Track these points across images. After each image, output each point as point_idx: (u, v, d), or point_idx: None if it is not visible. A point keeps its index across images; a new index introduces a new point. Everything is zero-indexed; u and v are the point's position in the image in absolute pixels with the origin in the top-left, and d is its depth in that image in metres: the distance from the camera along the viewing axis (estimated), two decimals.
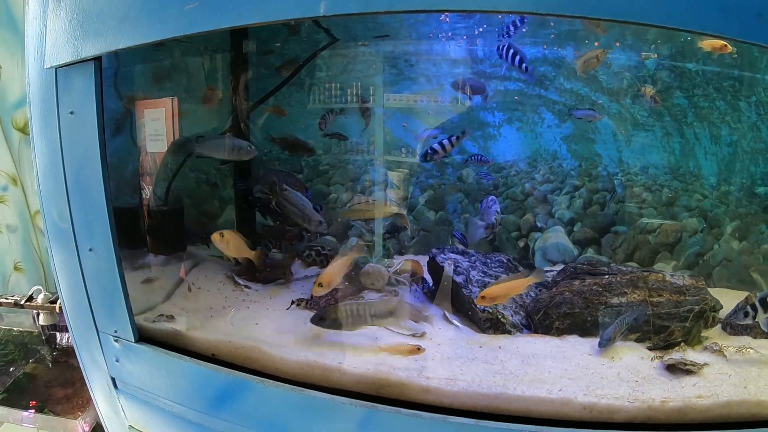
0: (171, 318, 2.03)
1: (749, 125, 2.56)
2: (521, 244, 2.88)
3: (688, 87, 2.54)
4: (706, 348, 1.88)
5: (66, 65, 1.64)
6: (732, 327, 2.05)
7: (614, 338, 1.84)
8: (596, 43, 2.25)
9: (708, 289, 2.12)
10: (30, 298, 3.36)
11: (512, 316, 2.10)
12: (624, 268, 2.25)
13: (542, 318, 2.05)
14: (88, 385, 2.14)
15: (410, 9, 1.16)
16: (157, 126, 2.22)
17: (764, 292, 1.86)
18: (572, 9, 1.12)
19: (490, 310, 2.05)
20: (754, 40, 1.12)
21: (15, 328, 3.80)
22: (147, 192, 2.30)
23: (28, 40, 1.73)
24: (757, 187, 2.59)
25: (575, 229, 2.80)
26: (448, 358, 1.80)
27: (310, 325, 1.96)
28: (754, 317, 1.83)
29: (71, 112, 1.69)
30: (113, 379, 2.00)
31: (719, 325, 2.08)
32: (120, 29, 1.48)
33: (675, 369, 1.71)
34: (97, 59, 1.60)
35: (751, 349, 1.85)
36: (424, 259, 2.54)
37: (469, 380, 1.65)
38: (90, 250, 1.81)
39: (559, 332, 2.00)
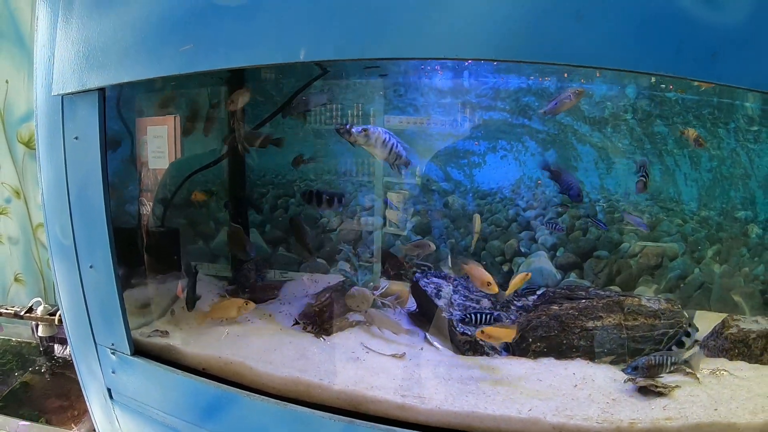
0: (165, 333, 2.11)
1: (729, 151, 2.62)
2: (505, 268, 2.94)
3: (668, 115, 2.61)
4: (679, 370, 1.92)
5: (72, 94, 1.74)
6: (709, 349, 2.10)
7: (645, 370, 1.84)
8: (565, 75, 2.31)
9: (685, 312, 2.17)
10: (30, 310, 3.42)
11: None
12: (602, 292, 2.31)
13: (519, 341, 2.10)
14: (84, 395, 2.21)
15: (378, 57, 1.26)
16: (159, 143, 2.29)
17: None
18: (530, 55, 1.21)
19: (470, 333, 2.13)
20: (709, 79, 1.18)
21: (13, 339, 3.85)
22: (147, 208, 2.37)
23: (37, 66, 1.83)
24: (737, 212, 2.65)
25: (558, 254, 2.87)
26: (426, 377, 1.88)
27: (295, 344, 2.07)
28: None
29: (76, 138, 1.78)
30: (109, 390, 2.07)
31: (697, 348, 2.10)
32: (122, 64, 1.57)
33: (646, 391, 1.76)
34: (100, 89, 1.70)
35: (725, 371, 1.90)
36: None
37: (442, 399, 1.71)
38: (90, 266, 1.90)
39: (535, 355, 2.05)
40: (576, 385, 1.83)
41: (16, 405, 3.10)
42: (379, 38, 1.25)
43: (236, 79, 2.48)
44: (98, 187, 1.77)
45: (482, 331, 1.99)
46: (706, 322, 2.21)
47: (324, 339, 2.11)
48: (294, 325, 2.24)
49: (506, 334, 2.03)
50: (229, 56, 1.41)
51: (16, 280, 4.00)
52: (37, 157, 1.91)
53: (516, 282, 2.23)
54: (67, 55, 1.70)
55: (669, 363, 1.85)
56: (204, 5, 1.43)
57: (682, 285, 2.70)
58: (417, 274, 2.53)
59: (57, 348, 3.62)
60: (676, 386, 1.78)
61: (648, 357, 1.85)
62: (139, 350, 1.99)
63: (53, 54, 1.75)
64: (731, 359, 2.02)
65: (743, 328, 2.07)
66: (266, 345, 2.08)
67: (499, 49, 1.20)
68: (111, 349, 1.98)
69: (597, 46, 1.17)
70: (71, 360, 2.21)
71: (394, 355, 2.01)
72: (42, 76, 1.82)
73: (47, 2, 1.75)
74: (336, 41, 1.29)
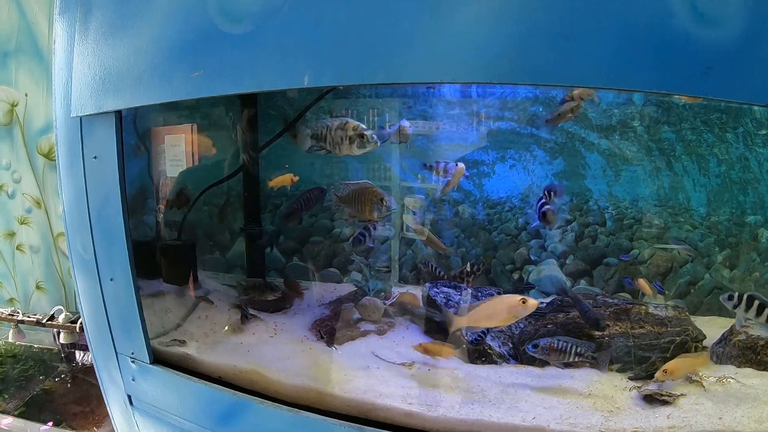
0: (183, 342, 2.17)
1: (737, 156, 2.61)
2: (516, 276, 2.97)
3: (675, 121, 2.61)
4: (687, 377, 1.90)
5: (90, 115, 1.80)
6: (717, 356, 2.09)
7: (545, 351, 1.88)
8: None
9: (696, 318, 2.19)
10: (51, 318, 3.49)
11: (500, 347, 2.19)
12: (610, 300, 2.31)
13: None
14: (105, 401, 2.28)
15: (376, 82, 1.31)
16: (176, 152, 2.34)
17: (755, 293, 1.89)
18: (522, 77, 1.23)
19: (478, 339, 2.16)
20: (703, 94, 1.16)
21: (35, 345, 3.92)
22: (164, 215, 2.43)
23: (56, 88, 1.89)
24: (747, 216, 2.65)
25: (568, 261, 2.88)
26: (433, 385, 1.91)
27: (307, 353, 2.12)
28: (736, 306, 1.87)
29: (95, 157, 1.85)
30: (129, 397, 2.14)
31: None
32: (136, 88, 1.63)
33: (651, 399, 1.77)
34: (117, 111, 1.76)
35: (732, 378, 1.89)
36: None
37: (448, 407, 1.75)
38: (111, 279, 1.96)
39: (543, 363, 2.06)
40: (581, 394, 1.85)
41: (38, 410, 3.17)
42: (376, 64, 1.29)
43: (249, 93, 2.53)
44: (117, 204, 1.83)
45: (420, 344, 2.05)
46: (715, 328, 2.20)
47: (335, 348, 2.15)
48: (318, 340, 2.29)
49: (444, 351, 2.07)
50: (237, 82, 1.46)
51: (37, 288, 4.09)
52: (58, 175, 1.99)
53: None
54: (84, 79, 1.76)
55: (573, 352, 1.87)
56: (211, 33, 1.48)
57: (692, 290, 2.70)
58: (427, 284, 2.56)
59: (78, 354, 3.69)
60: (682, 394, 1.78)
61: (551, 339, 1.87)
62: (158, 359, 2.04)
63: (71, 77, 1.81)
64: (739, 366, 2.01)
65: (752, 335, 2.06)
66: (280, 353, 2.14)
67: (490, 71, 1.22)
68: (131, 357, 2.05)
69: (588, 66, 1.18)
70: (92, 366, 2.27)
71: (403, 364, 2.05)
72: (60, 98, 1.88)
73: (63, 27, 1.82)
74: (336, 67, 1.33)
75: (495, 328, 2.03)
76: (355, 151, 1.88)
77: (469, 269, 2.66)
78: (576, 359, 1.88)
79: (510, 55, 1.20)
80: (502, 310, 1.76)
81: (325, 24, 1.32)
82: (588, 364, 1.91)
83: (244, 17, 1.44)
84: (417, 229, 2.78)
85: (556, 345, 1.85)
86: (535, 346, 1.87)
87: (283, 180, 2.51)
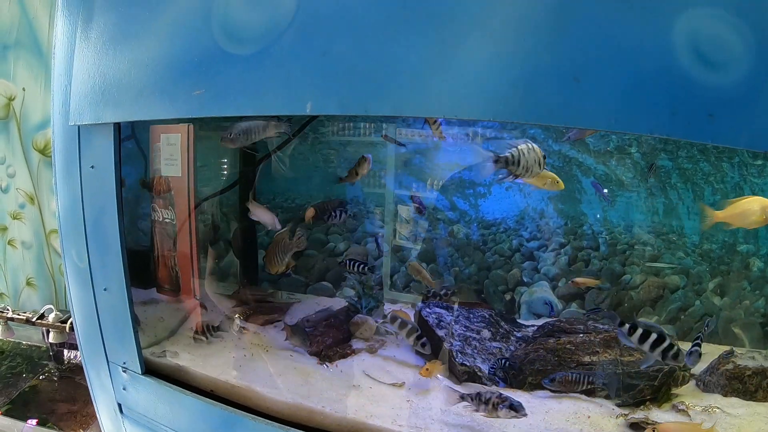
0: (175, 354, 2.16)
1: (732, 185, 2.63)
2: (507, 297, 2.98)
3: (672, 149, 2.63)
4: (673, 407, 1.93)
5: (88, 125, 1.80)
6: (705, 384, 2.10)
7: (560, 384, 1.95)
8: None
9: (685, 344, 2.17)
10: (42, 316, 3.48)
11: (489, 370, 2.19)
12: (600, 326, 2.32)
13: (516, 373, 2.14)
14: (95, 406, 2.28)
15: (380, 114, 1.31)
16: (172, 151, 2.32)
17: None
18: (527, 117, 1.22)
19: (468, 364, 2.16)
20: (705, 140, 1.16)
21: (24, 342, 3.90)
22: (160, 215, 2.41)
23: (54, 94, 1.88)
24: (739, 245, 2.67)
25: (560, 284, 2.90)
26: (422, 408, 1.92)
27: (299, 370, 2.12)
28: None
29: (92, 167, 1.84)
30: (119, 405, 2.14)
31: (693, 383, 2.12)
32: (136, 102, 1.62)
33: (638, 428, 1.77)
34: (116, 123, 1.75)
35: (718, 408, 1.90)
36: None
37: (437, 429, 1.76)
38: (105, 289, 1.96)
39: (531, 387, 2.08)
40: (568, 420, 1.86)
41: (24, 408, 3.15)
42: (381, 96, 1.29)
43: None
44: (113, 215, 1.83)
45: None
46: (705, 355, 2.19)
47: (327, 366, 2.16)
48: (310, 357, 2.29)
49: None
50: (239, 104, 1.46)
51: (28, 284, 4.06)
52: (54, 181, 1.98)
53: None
54: (83, 87, 1.75)
55: (585, 381, 1.95)
56: (215, 52, 1.47)
57: (682, 316, 2.71)
58: (419, 304, 2.57)
59: (67, 353, 3.66)
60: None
61: (565, 373, 1.94)
62: (150, 369, 2.04)
63: (70, 83, 1.79)
64: (725, 395, 2.02)
65: (739, 365, 2.07)
66: (272, 369, 2.14)
67: (497, 110, 1.22)
68: (122, 367, 2.05)
69: (594, 108, 1.17)
70: (80, 365, 2.27)
71: (393, 384, 2.06)
72: (59, 105, 1.87)
73: (64, 32, 1.80)
74: (340, 97, 1.32)
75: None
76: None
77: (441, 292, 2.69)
78: (589, 387, 1.95)
79: (517, 95, 1.20)
80: (758, 209, 1.88)
81: (332, 53, 1.32)
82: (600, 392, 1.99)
83: (248, 40, 1.43)
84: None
85: (570, 378, 1.94)
86: (552, 381, 1.94)
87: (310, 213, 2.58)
